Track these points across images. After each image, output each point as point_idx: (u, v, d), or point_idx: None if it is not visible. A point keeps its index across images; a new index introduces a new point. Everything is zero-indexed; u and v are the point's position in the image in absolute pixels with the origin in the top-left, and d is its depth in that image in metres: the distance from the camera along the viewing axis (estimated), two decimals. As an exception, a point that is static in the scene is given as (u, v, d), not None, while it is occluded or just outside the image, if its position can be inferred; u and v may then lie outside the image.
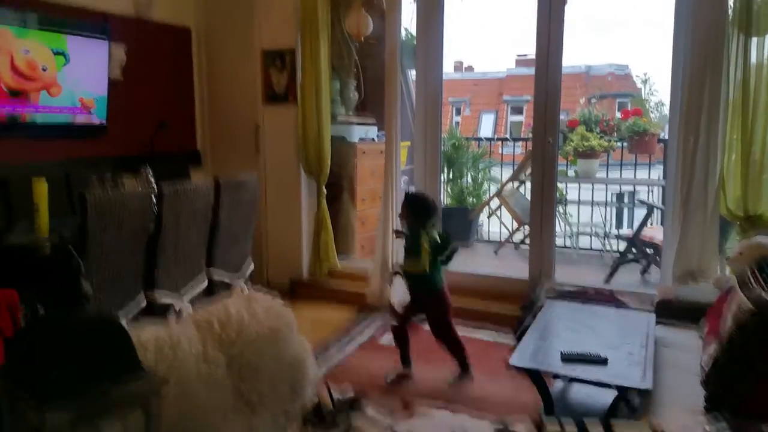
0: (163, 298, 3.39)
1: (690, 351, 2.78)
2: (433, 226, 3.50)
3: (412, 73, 6.37)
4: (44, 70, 3.84)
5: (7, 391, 0.91)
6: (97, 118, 4.25)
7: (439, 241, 3.41)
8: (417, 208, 3.52)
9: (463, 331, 4.17)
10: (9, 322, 2.75)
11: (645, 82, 10.13)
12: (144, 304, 3.31)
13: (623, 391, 2.42)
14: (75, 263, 0.97)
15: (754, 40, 3.52)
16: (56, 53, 3.90)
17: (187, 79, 5.27)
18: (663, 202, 5.18)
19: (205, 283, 3.71)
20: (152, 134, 4.70)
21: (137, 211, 3.11)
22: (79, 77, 4.05)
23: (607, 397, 2.57)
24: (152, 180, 3.80)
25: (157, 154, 4.66)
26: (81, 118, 4.14)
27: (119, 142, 4.53)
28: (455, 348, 3.52)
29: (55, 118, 3.98)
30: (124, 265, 3.13)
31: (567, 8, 4.20)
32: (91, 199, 2.86)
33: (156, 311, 3.37)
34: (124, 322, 1.04)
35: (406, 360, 3.59)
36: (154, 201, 3.31)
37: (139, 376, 0.98)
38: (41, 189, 3.34)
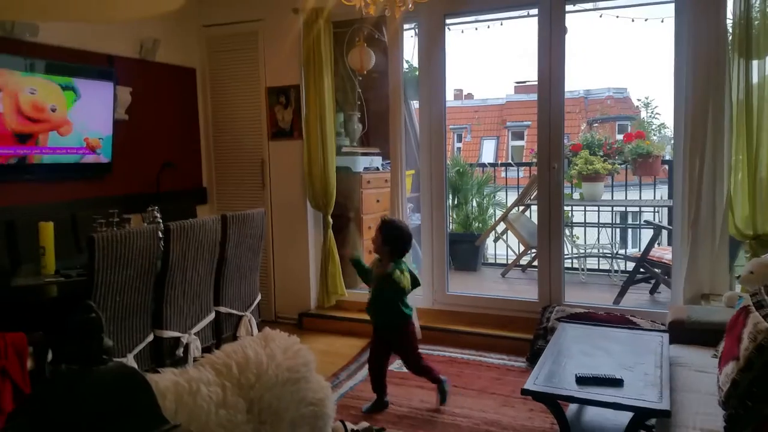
0: (171, 332, 3.40)
1: (705, 371, 2.76)
2: (404, 261, 3.45)
3: (414, 104, 6.45)
4: (53, 110, 3.90)
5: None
6: (103, 158, 4.31)
7: (413, 274, 3.47)
8: (394, 238, 3.40)
9: (473, 356, 4.18)
10: (17, 366, 2.76)
11: (647, 105, 10.25)
12: (151, 338, 3.32)
13: (640, 413, 2.40)
14: (97, 319, 0.98)
15: (755, 62, 3.57)
16: (65, 88, 3.96)
17: (193, 118, 5.34)
18: (670, 222, 5.19)
19: (213, 316, 3.72)
20: (158, 173, 4.75)
21: (144, 249, 3.13)
22: (85, 117, 4.11)
23: (623, 419, 2.55)
24: (159, 217, 3.83)
25: (163, 193, 4.72)
26: (87, 158, 4.21)
27: (125, 181, 4.59)
28: (428, 375, 3.53)
29: (62, 159, 4.04)
30: (132, 302, 3.15)
31: (567, 36, 4.27)
32: (98, 240, 2.88)
33: (164, 345, 3.39)
34: (136, 366, 1.04)
35: (381, 395, 3.54)
36: (161, 238, 3.34)
37: (162, 430, 0.98)
38: (48, 231, 3.36)
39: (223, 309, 3.81)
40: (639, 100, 15.35)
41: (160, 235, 3.33)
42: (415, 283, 3.54)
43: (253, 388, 1.40)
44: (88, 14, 1.34)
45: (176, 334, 3.43)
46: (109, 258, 2.94)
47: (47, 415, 0.91)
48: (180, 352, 3.45)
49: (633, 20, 5.89)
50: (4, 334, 2.75)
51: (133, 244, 3.05)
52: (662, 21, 5.64)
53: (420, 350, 3.63)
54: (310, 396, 1.54)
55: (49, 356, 2.98)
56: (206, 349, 3.67)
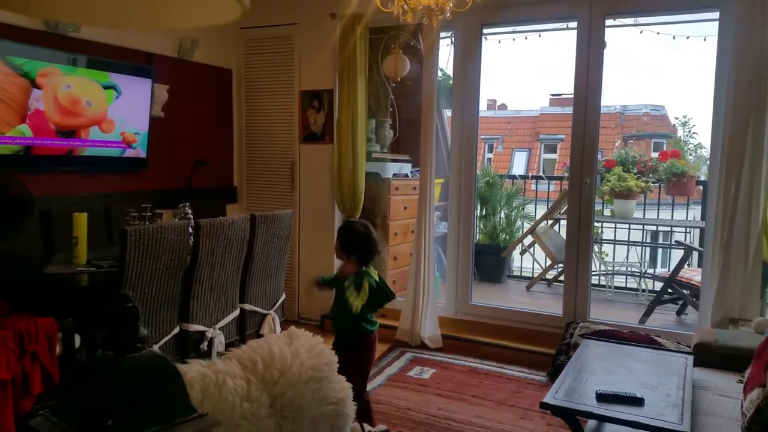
0: (197, 326, 3.46)
1: (729, 395, 2.71)
2: (371, 266, 3.03)
3: (446, 112, 6.46)
4: (88, 104, 4.00)
5: (62, 430, 0.95)
6: (140, 153, 4.40)
7: (380, 287, 2.98)
8: (357, 243, 3.02)
9: (494, 367, 4.17)
10: (47, 351, 2.84)
11: (684, 124, 10.10)
12: (177, 330, 3.39)
13: (660, 434, 2.37)
14: (133, 309, 1.02)
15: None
16: (106, 87, 4.07)
17: (227, 118, 5.43)
18: (701, 244, 5.11)
19: (237, 312, 3.78)
20: (190, 170, 4.83)
21: (174, 244, 3.19)
22: (123, 113, 4.21)
23: (642, 439, 2.53)
24: (190, 214, 3.90)
25: (195, 190, 4.79)
26: (127, 153, 4.30)
27: (159, 177, 4.68)
28: (363, 414, 2.71)
29: (100, 152, 4.14)
30: (160, 295, 3.21)
31: (605, 51, 4.25)
32: (131, 233, 2.95)
33: (189, 338, 3.45)
34: (171, 360, 1.08)
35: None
36: (191, 234, 3.40)
37: (190, 418, 1.01)
38: (81, 222, 3.44)
39: (247, 306, 3.86)
40: (677, 118, 15.13)
41: (191, 231, 3.40)
42: (382, 296, 3.01)
43: (277, 384, 1.43)
44: (152, 22, 1.39)
45: (201, 328, 3.49)
46: (141, 251, 3.01)
47: (83, 399, 0.95)
48: (204, 346, 3.51)
49: (674, 37, 5.82)
50: (36, 319, 2.83)
51: (164, 239, 3.12)
52: (705, 39, 5.58)
53: (428, 367, 3.52)
54: (332, 395, 1.56)
55: (77, 342, 3.06)
56: (230, 345, 3.72)
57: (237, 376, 1.36)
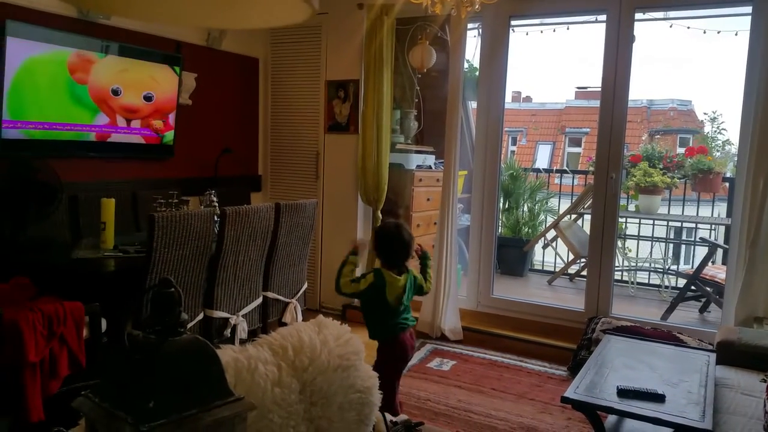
0: (221, 312, 3.51)
1: (752, 394, 2.69)
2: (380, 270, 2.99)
3: (471, 104, 6.44)
4: (116, 94, 4.07)
5: (105, 410, 0.98)
6: (165, 141, 4.46)
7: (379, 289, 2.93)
8: (389, 247, 3.01)
9: (515, 361, 4.18)
10: (74, 334, 2.90)
11: (713, 120, 9.93)
12: (201, 317, 3.44)
13: (681, 431, 2.36)
14: (176, 293, 1.05)
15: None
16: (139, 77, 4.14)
17: (253, 107, 5.47)
18: (726, 241, 5.05)
19: (260, 300, 3.82)
20: (216, 158, 4.88)
21: (200, 231, 3.24)
22: (151, 101, 4.27)
23: (663, 435, 2.52)
24: (215, 201, 3.95)
25: (220, 178, 4.84)
26: (150, 140, 4.36)
27: (185, 164, 4.74)
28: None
29: (129, 139, 4.20)
30: (185, 281, 3.26)
31: (634, 45, 4.20)
32: (158, 219, 3.00)
33: (213, 325, 3.50)
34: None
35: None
36: (217, 221, 3.44)
37: (228, 401, 1.05)
38: (109, 208, 3.49)
39: (270, 294, 3.91)
40: (705, 113, 14.90)
41: (216, 218, 3.44)
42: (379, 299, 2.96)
43: (307, 371, 1.46)
44: (226, 20, 1.42)
45: (225, 314, 3.54)
46: (168, 237, 3.05)
47: (125, 380, 0.98)
48: (227, 332, 3.56)
49: (705, 32, 5.74)
50: (64, 303, 2.89)
51: (191, 226, 3.16)
52: (736, 34, 5.50)
53: (448, 359, 3.50)
54: (359, 384, 1.58)
55: (104, 326, 3.13)
56: (252, 332, 3.77)
57: (268, 362, 1.39)
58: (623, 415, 2.58)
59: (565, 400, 2.54)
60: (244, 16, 1.39)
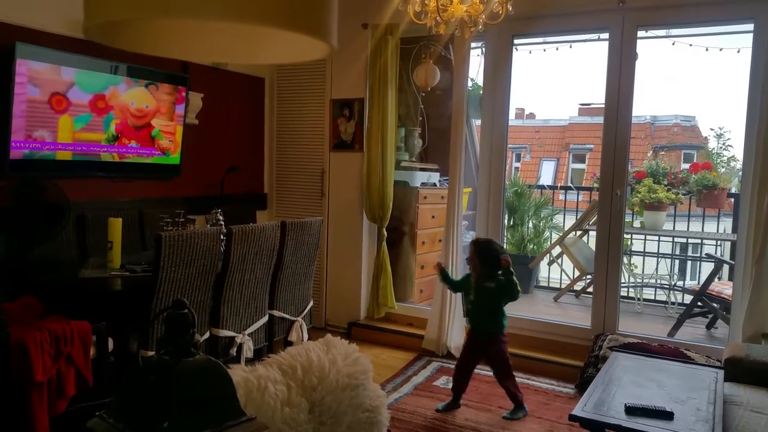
0: (227, 331, 3.51)
1: (762, 411, 2.68)
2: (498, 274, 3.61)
3: (475, 122, 6.47)
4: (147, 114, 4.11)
5: (119, 430, 0.99)
6: (172, 160, 4.49)
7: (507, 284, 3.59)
8: (486, 255, 3.62)
9: (522, 379, 4.16)
10: (81, 353, 2.91)
11: (719, 136, 9.95)
12: (208, 335, 3.44)
13: (690, 449, 2.34)
14: (189, 314, 1.06)
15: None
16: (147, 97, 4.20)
17: (258, 126, 5.51)
18: (732, 257, 5.04)
19: (266, 319, 3.82)
20: (222, 177, 4.91)
21: (206, 250, 3.25)
22: (159, 120, 4.31)
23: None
24: (222, 220, 3.97)
25: (226, 196, 4.87)
26: (158, 160, 4.39)
27: (191, 183, 4.77)
28: (511, 389, 3.68)
29: (136, 159, 4.24)
30: (192, 300, 3.26)
31: (637, 62, 4.23)
32: (165, 239, 3.01)
33: (219, 343, 3.50)
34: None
35: (457, 396, 3.75)
36: (223, 240, 3.46)
37: (240, 422, 1.06)
38: (116, 227, 3.51)
39: (276, 313, 3.91)
40: (712, 129, 14.91)
41: (222, 237, 3.45)
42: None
43: (316, 390, 1.47)
44: (245, 56, 1.46)
45: (231, 333, 3.54)
46: (175, 256, 3.07)
47: (139, 401, 0.99)
48: (233, 351, 3.56)
49: (707, 49, 5.77)
50: (71, 322, 2.90)
51: (197, 245, 3.18)
52: (738, 51, 5.52)
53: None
54: (367, 403, 1.59)
55: (111, 345, 3.13)
56: (258, 351, 3.77)
57: (278, 382, 1.40)
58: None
59: (572, 418, 2.53)
60: (260, 53, 1.42)
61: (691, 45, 5.62)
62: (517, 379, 4.18)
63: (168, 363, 0.99)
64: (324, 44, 1.21)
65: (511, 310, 5.15)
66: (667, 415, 2.48)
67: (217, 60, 1.46)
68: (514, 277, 3.63)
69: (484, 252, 3.64)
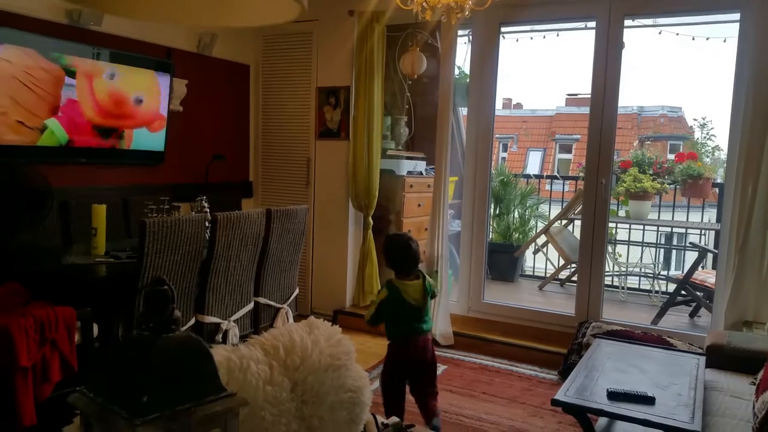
0: (212, 318, 3.51)
1: (741, 397, 2.72)
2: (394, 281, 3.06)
3: (462, 111, 6.47)
4: (138, 102, 4.07)
5: (99, 405, 0.99)
6: (156, 147, 4.46)
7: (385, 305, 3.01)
8: (402, 257, 3.08)
9: (505, 365, 4.19)
10: (66, 339, 2.90)
11: (703, 126, 10.02)
12: (193, 322, 3.44)
13: (670, 433, 2.38)
14: (170, 291, 1.06)
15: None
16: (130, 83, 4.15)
17: (244, 113, 5.48)
18: (716, 246, 5.10)
19: (252, 306, 3.82)
20: (207, 164, 4.89)
21: (191, 237, 3.24)
22: (143, 107, 4.28)
23: (653, 437, 2.53)
24: (207, 207, 3.95)
25: (211, 184, 4.85)
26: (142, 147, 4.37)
27: (176, 170, 4.74)
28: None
29: (122, 146, 4.21)
30: (177, 287, 3.25)
31: (623, 51, 4.24)
32: (149, 225, 3.00)
33: (204, 330, 3.49)
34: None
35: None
36: (208, 227, 3.44)
37: (221, 397, 1.06)
38: (100, 214, 3.49)
39: (262, 300, 3.90)
40: (695, 119, 15.01)
41: (207, 224, 3.44)
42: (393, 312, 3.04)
43: (298, 370, 1.48)
44: (215, 18, 1.45)
45: (216, 320, 3.53)
46: (159, 243, 3.05)
47: (119, 376, 0.99)
48: (219, 338, 3.55)
49: (693, 38, 5.80)
50: (55, 308, 2.89)
51: (182, 231, 3.16)
52: (724, 41, 5.56)
53: (440, 363, 3.44)
54: (350, 383, 1.60)
55: (95, 331, 3.12)
56: (243, 338, 3.76)
57: (260, 362, 1.40)
58: (613, 417, 2.60)
59: (555, 402, 2.56)
60: (233, 14, 1.41)
61: (677, 34, 5.66)
62: (500, 365, 4.23)
63: (148, 339, 1.00)
64: (294, 3, 1.20)
65: (496, 297, 5.22)
66: (648, 400, 2.51)
67: (191, 23, 1.45)
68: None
69: (385, 251, 3.18)
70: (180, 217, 3.42)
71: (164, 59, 4.48)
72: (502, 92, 18.07)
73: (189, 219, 3.25)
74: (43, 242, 3.71)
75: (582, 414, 2.59)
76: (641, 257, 6.70)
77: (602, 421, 3.04)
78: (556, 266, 6.50)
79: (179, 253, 3.19)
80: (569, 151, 16.46)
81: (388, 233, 3.50)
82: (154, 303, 1.03)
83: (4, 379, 2.64)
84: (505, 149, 17.37)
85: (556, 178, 8.58)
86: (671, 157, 7.10)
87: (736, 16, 3.95)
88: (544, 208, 7.47)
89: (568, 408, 2.57)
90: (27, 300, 3.07)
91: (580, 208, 5.57)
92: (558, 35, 5.88)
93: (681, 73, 23.59)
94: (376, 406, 3.38)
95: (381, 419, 1.90)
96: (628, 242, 6.75)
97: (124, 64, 4.11)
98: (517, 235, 6.97)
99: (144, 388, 0.96)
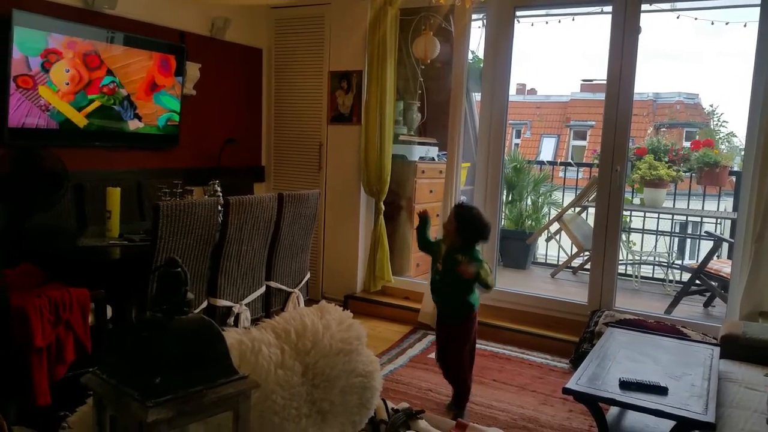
0: (224, 301, 3.53)
1: (756, 388, 2.69)
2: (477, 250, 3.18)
3: (475, 96, 6.42)
4: (116, 85, 4.07)
5: (112, 386, 1.00)
6: (170, 131, 4.46)
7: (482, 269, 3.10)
8: (467, 225, 3.16)
9: (517, 353, 4.18)
10: (80, 320, 2.92)
11: (713, 113, 9.89)
12: (205, 305, 3.45)
13: (683, 423, 2.36)
14: (183, 273, 1.06)
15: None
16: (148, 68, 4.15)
17: (256, 97, 5.46)
18: (732, 236, 5.04)
19: (263, 289, 3.83)
20: (220, 148, 4.89)
21: (204, 220, 3.24)
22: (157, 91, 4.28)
23: (664, 427, 2.52)
24: (219, 191, 3.96)
25: (224, 168, 4.85)
26: (155, 130, 4.37)
27: (189, 154, 4.75)
28: (458, 385, 3.32)
29: (139, 129, 4.23)
30: (189, 270, 3.26)
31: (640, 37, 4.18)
32: (163, 208, 3.01)
33: (216, 313, 3.51)
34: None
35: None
36: (220, 211, 3.45)
37: (233, 379, 1.07)
38: (115, 197, 3.50)
39: (273, 284, 3.91)
40: (711, 105, 14.82)
41: (220, 208, 3.45)
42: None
43: (309, 354, 1.48)
44: None
45: (228, 303, 3.55)
46: (172, 226, 3.06)
47: (132, 357, 0.99)
48: (231, 321, 3.57)
49: (713, 23, 5.69)
50: (70, 289, 2.91)
51: (195, 215, 3.17)
52: (745, 25, 5.45)
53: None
54: (360, 368, 1.60)
55: (109, 313, 3.14)
56: (255, 321, 3.78)
57: (272, 345, 1.41)
58: (625, 406, 2.58)
59: (566, 391, 2.54)
60: None
61: (696, 19, 5.55)
62: (511, 353, 4.22)
63: (161, 320, 1.00)
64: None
65: (508, 284, 5.20)
66: (661, 390, 2.49)
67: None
68: (483, 272, 3.13)
69: (464, 221, 3.17)
70: (193, 200, 3.43)
71: (177, 43, 4.47)
72: (516, 77, 17.91)
73: (202, 203, 3.26)
74: (58, 224, 3.74)
75: (593, 403, 2.58)
76: (655, 246, 6.65)
77: (614, 410, 3.03)
78: (569, 254, 6.46)
79: (192, 236, 3.20)
80: (584, 138, 16.31)
81: (460, 203, 3.61)
82: (167, 284, 1.03)
83: (19, 359, 2.67)
84: (518, 135, 17.24)
85: (569, 164, 8.51)
86: (687, 144, 6.99)
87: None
88: (557, 195, 7.41)
89: (580, 397, 2.56)
90: (42, 281, 3.11)
91: (593, 196, 5.53)
92: (573, 19, 5.80)
93: (699, 59, 23.25)
94: (386, 391, 3.40)
95: (391, 404, 1.90)
96: (643, 230, 6.69)
97: (137, 47, 4.10)
98: (529, 222, 6.94)
99: (157, 369, 0.96)
